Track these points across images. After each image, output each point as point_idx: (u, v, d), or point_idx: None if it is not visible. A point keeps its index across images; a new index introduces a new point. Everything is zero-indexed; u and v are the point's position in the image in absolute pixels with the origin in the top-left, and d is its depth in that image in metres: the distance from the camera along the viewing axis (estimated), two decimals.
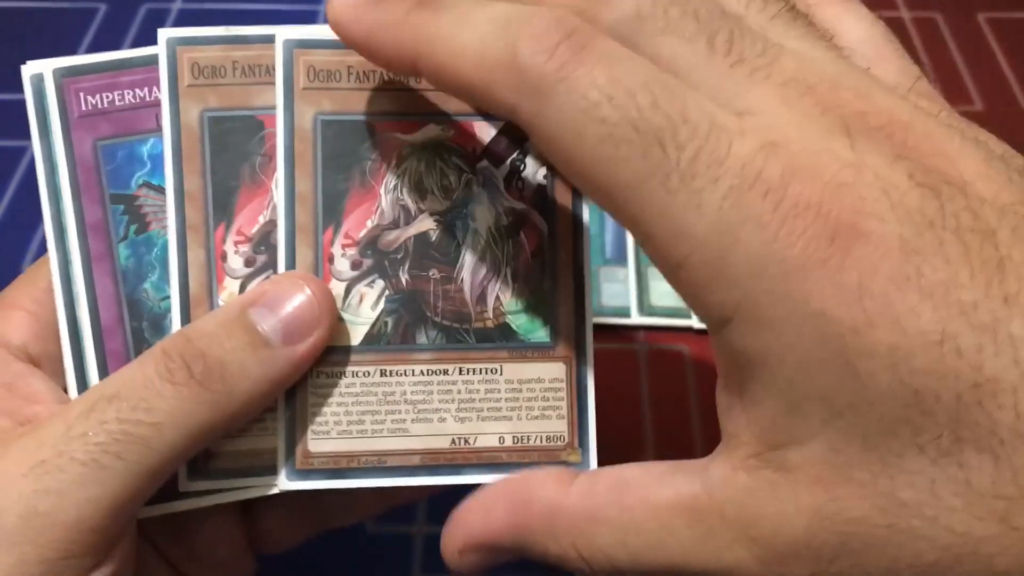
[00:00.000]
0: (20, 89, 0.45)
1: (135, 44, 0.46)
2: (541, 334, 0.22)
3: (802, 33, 0.17)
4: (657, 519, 0.18)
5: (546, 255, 0.22)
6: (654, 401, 0.32)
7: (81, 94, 0.21)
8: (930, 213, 0.15)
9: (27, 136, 0.22)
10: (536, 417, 0.22)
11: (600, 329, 0.34)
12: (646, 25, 0.17)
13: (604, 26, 0.17)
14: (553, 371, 0.22)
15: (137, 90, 0.21)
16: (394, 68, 0.19)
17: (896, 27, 0.46)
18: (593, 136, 0.16)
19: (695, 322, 0.34)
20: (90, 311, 0.21)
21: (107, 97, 0.21)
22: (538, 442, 0.22)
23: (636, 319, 0.34)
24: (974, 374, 0.14)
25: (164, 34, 0.21)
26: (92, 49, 0.45)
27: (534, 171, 0.22)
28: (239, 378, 0.19)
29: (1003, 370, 0.14)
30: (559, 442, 0.22)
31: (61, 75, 0.21)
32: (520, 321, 0.22)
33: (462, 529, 0.20)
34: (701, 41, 0.16)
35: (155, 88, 0.21)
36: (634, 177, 0.16)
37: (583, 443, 0.22)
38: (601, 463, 0.30)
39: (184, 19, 0.47)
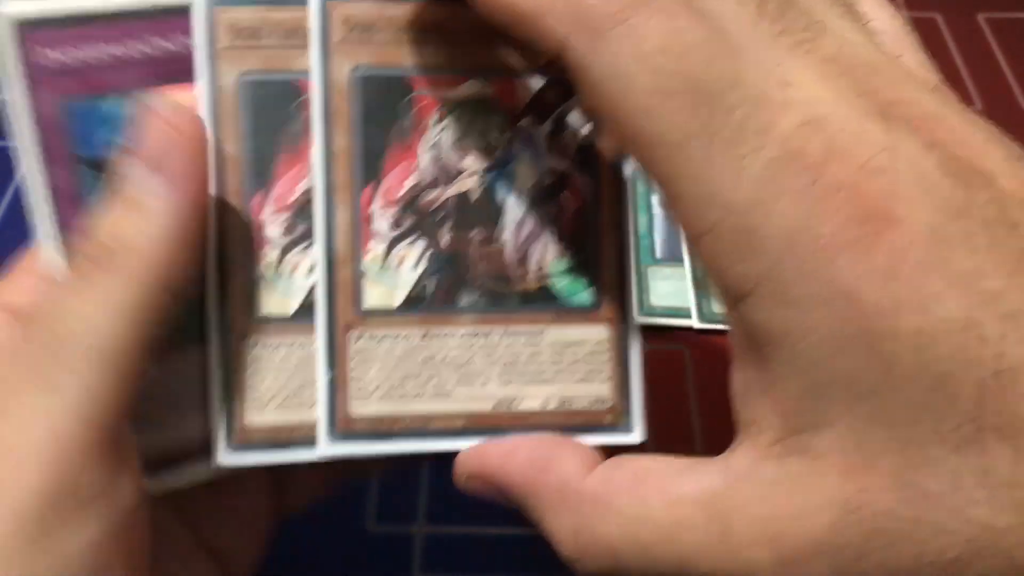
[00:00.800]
0: None
1: None
2: (584, 296, 0.21)
3: (842, 13, 0.17)
4: (673, 512, 0.17)
5: (589, 216, 0.21)
6: (654, 401, 0.32)
7: (45, 48, 0.19)
8: (959, 203, 0.15)
9: None
10: (580, 380, 0.21)
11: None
12: None
13: None
14: (597, 333, 0.21)
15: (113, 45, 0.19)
16: None
17: None
18: (644, 85, 0.15)
19: (695, 322, 0.34)
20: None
21: (75, 51, 0.19)
22: (582, 406, 0.21)
23: (637, 319, 0.34)
24: (996, 362, 0.14)
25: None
26: None
27: (577, 130, 0.21)
28: (128, 250, 0.18)
29: None
30: (603, 406, 0.21)
31: (19, 25, 0.19)
32: (563, 283, 0.21)
33: (479, 460, 0.20)
34: (751, 5, 0.16)
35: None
36: (679, 133, 0.15)
37: (628, 407, 0.22)
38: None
39: None
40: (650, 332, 0.32)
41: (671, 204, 0.16)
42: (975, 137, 0.16)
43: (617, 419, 0.21)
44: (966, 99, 0.43)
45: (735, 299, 0.16)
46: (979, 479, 0.14)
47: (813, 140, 0.15)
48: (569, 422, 0.21)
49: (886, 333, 0.15)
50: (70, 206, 0.20)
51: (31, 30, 0.18)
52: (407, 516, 0.29)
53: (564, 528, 0.18)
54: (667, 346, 0.34)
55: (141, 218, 0.18)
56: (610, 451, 0.20)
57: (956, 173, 0.15)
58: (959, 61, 0.45)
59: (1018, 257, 0.14)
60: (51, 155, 0.19)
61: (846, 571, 0.15)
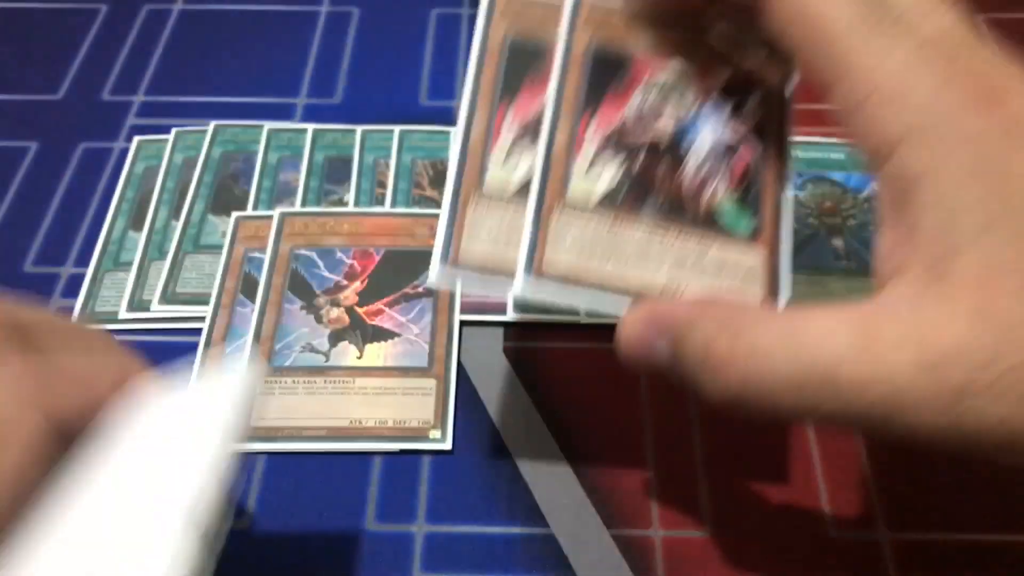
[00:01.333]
0: (21, 89, 0.45)
1: (136, 45, 0.46)
2: (743, 230, 0.26)
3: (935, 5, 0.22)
4: (824, 325, 0.20)
5: (753, 172, 0.27)
6: (654, 401, 0.32)
7: None
8: None
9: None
10: (734, 288, 0.26)
11: (600, 329, 0.34)
12: None
13: None
14: (751, 260, 0.26)
15: None
16: None
17: None
18: None
19: None
20: None
21: None
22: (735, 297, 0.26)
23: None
24: None
25: None
26: (93, 50, 0.46)
27: (752, 111, 0.27)
28: None
29: None
30: (755, 298, 0.26)
31: None
32: (727, 219, 0.26)
33: (648, 305, 0.24)
34: None
35: None
36: (850, 20, 0.21)
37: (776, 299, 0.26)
38: (601, 462, 0.30)
39: (185, 20, 0.47)
40: None
41: (836, 82, 0.21)
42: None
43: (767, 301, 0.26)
44: None
45: (885, 155, 0.20)
46: None
47: (949, 42, 0.20)
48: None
49: (1005, 171, 0.19)
50: None
51: None
52: (407, 515, 0.29)
53: (721, 346, 0.21)
54: None
55: None
56: None
57: None
58: None
59: None
60: None
61: (980, 372, 0.18)
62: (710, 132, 0.27)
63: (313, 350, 0.33)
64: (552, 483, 0.30)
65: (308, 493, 0.30)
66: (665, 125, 0.27)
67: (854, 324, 0.19)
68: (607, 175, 0.26)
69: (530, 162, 0.26)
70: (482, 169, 0.26)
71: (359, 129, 0.41)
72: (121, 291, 0.35)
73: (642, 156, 0.27)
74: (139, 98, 0.43)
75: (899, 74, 0.20)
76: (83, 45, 0.46)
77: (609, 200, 0.26)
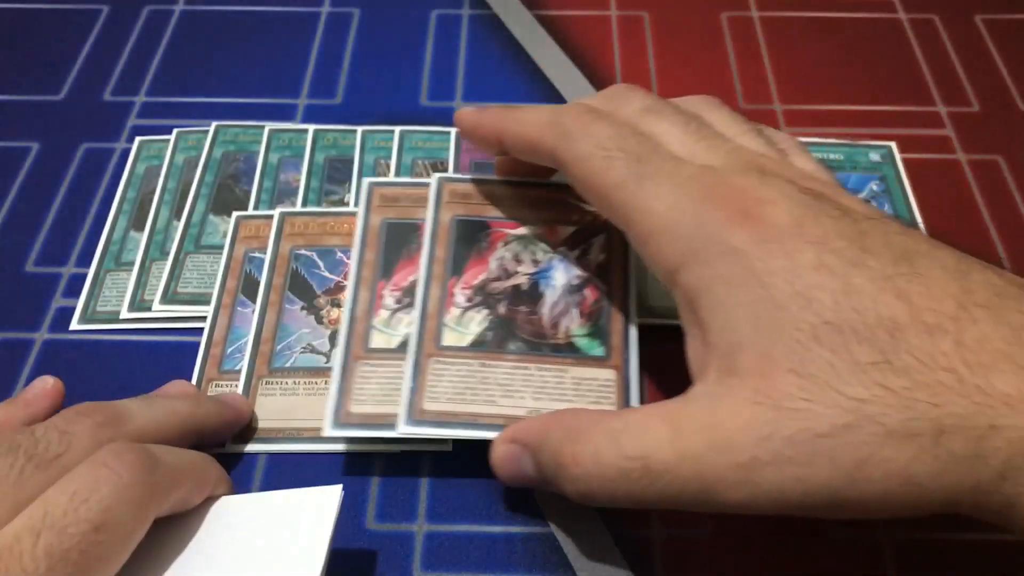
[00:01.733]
0: (22, 90, 0.45)
1: (137, 46, 0.46)
2: (598, 351, 0.31)
3: (749, 131, 0.27)
4: (643, 422, 0.23)
5: (603, 303, 0.32)
6: (656, 397, 0.33)
7: None
8: (812, 204, 0.23)
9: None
10: (592, 403, 0.30)
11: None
12: (649, 114, 0.28)
13: (621, 117, 0.28)
14: (606, 375, 0.30)
15: None
16: (489, 143, 0.32)
17: (894, 29, 0.47)
18: (598, 157, 0.27)
19: None
20: None
21: None
22: None
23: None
24: (844, 285, 0.22)
25: (366, 182, 0.35)
26: (95, 51, 0.46)
27: (596, 255, 0.33)
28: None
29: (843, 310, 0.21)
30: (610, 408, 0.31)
31: None
32: (583, 342, 0.31)
33: (512, 428, 0.27)
34: (680, 124, 0.27)
35: None
36: (620, 178, 0.26)
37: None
38: None
39: (186, 21, 0.47)
40: (651, 332, 0.32)
41: (626, 228, 0.26)
42: (840, 191, 0.25)
43: None
44: (964, 101, 0.43)
45: (672, 275, 0.24)
46: (849, 367, 0.20)
47: (707, 175, 0.25)
48: None
49: (765, 272, 0.22)
50: None
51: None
52: (407, 514, 0.29)
53: (574, 453, 0.24)
54: (667, 346, 0.34)
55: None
56: None
57: (814, 194, 0.24)
58: (956, 62, 0.45)
59: (854, 232, 0.22)
60: None
61: (764, 444, 0.21)
62: (562, 275, 0.32)
63: (314, 351, 0.33)
64: None
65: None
66: (524, 272, 0.32)
67: (663, 419, 0.23)
68: (476, 322, 0.31)
69: (483, 315, 0.31)
70: (367, 335, 0.31)
71: (360, 129, 0.41)
72: (123, 291, 0.36)
73: (505, 301, 0.32)
74: (140, 99, 0.43)
75: (667, 213, 0.24)
76: (84, 46, 0.46)
77: (478, 344, 0.31)
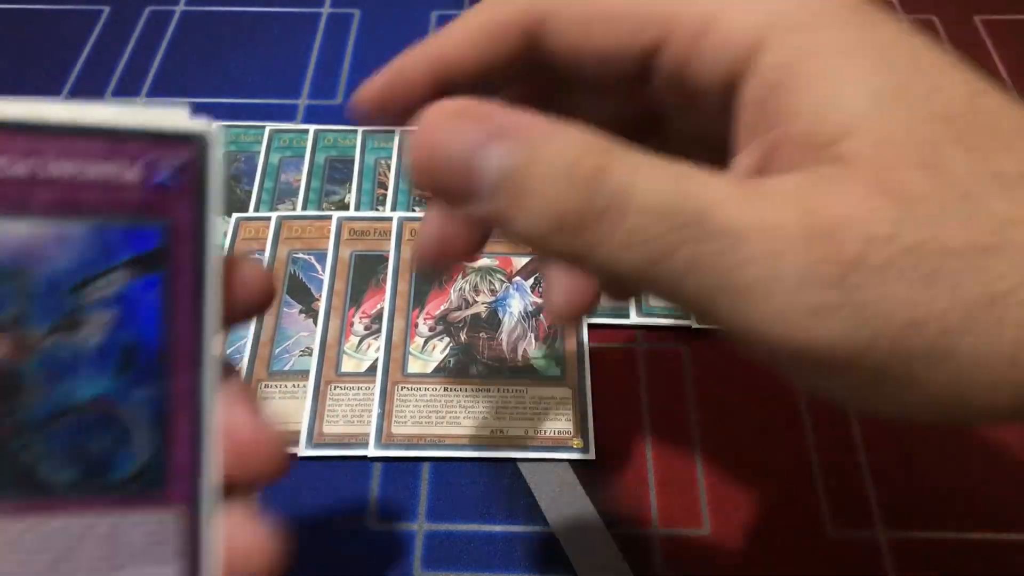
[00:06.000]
0: (22, 89, 0.45)
1: (138, 47, 0.46)
2: (555, 371, 0.33)
3: None
4: (708, 173, 0.15)
5: (557, 328, 0.34)
6: (654, 401, 0.33)
7: None
8: None
9: None
10: (550, 420, 0.31)
11: (600, 329, 0.34)
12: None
13: None
14: (562, 393, 0.32)
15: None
16: (414, 95, 0.21)
17: None
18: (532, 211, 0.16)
19: (694, 322, 0.34)
20: None
21: None
22: (551, 435, 0.32)
23: (635, 319, 0.35)
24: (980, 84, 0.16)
25: (335, 216, 0.36)
26: (96, 51, 0.46)
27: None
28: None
29: None
30: (567, 435, 0.32)
31: None
32: (540, 364, 0.33)
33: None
34: None
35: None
36: (548, 226, 0.16)
37: (584, 435, 0.32)
38: (602, 461, 0.30)
39: (186, 21, 0.47)
40: (650, 332, 0.32)
41: (661, 28, 0.18)
42: None
43: (576, 442, 0.32)
44: None
45: (750, 53, 0.17)
46: (991, 179, 0.15)
47: None
48: (541, 444, 0.32)
49: (888, 43, 0.16)
50: None
51: None
52: (408, 513, 0.30)
53: (590, 162, 0.15)
54: (667, 346, 0.34)
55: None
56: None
57: None
58: None
59: None
60: None
61: (879, 246, 0.14)
62: (518, 302, 0.35)
63: (311, 354, 0.33)
64: (552, 483, 0.30)
65: (309, 494, 0.30)
66: (483, 302, 0.35)
67: (736, 183, 0.16)
68: (439, 350, 0.33)
69: (445, 343, 0.34)
70: (338, 360, 0.33)
71: (360, 130, 0.41)
72: None
73: (466, 329, 0.34)
74: (141, 99, 0.43)
75: None
76: (85, 46, 0.46)
77: (441, 369, 0.33)
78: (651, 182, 0.15)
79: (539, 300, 0.35)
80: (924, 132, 0.15)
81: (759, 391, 0.33)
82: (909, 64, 0.16)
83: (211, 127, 0.17)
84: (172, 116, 0.17)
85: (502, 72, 0.20)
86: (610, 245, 0.15)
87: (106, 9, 0.48)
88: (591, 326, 0.34)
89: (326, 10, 0.48)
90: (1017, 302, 0.14)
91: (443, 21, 0.47)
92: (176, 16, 0.48)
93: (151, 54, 0.46)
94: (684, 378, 0.33)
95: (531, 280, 0.36)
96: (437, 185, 0.16)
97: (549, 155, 0.15)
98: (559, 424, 0.32)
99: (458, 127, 0.16)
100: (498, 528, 0.29)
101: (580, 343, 0.34)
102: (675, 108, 0.20)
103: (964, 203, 0.15)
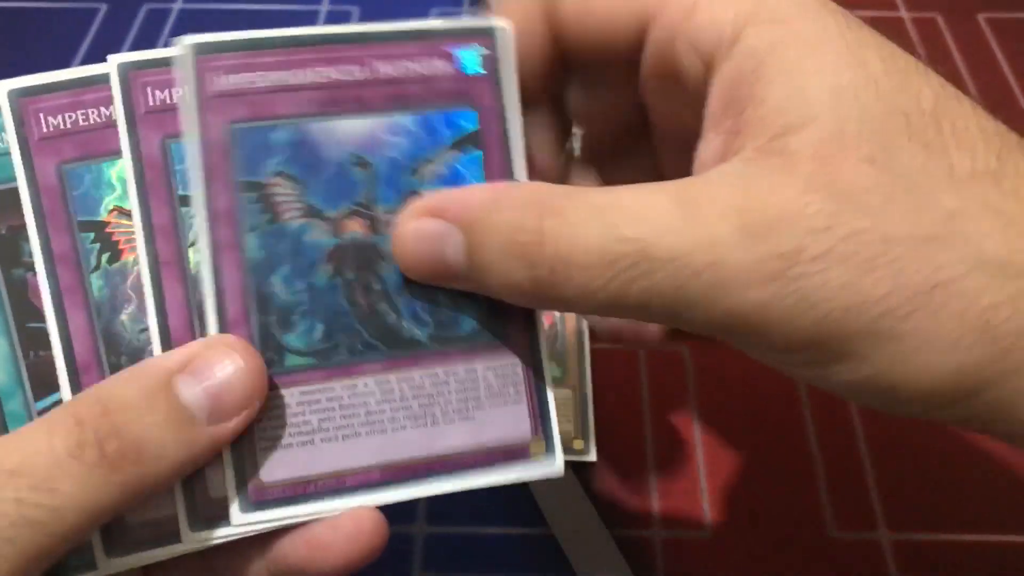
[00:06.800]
0: None
1: (136, 45, 0.46)
2: (555, 372, 0.31)
3: None
4: (643, 199, 0.17)
5: (555, 332, 0.32)
6: (654, 401, 0.32)
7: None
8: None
9: None
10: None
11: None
12: None
13: None
14: (563, 394, 0.31)
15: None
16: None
17: (896, 27, 0.46)
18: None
19: None
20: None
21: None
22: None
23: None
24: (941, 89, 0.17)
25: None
26: (93, 49, 0.46)
27: None
28: (156, 459, 0.17)
29: None
30: (567, 436, 0.30)
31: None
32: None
33: (431, 202, 0.19)
34: None
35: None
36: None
37: (585, 436, 0.30)
38: (603, 462, 0.30)
39: (184, 19, 0.47)
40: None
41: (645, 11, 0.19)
42: None
43: (576, 444, 0.30)
44: None
45: (734, 33, 0.17)
46: (944, 174, 0.15)
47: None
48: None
49: (858, 41, 0.17)
50: (226, 227, 0.19)
51: (205, 57, 0.19)
52: (407, 516, 0.29)
53: (529, 226, 0.17)
54: (668, 346, 0.34)
55: (184, 440, 0.18)
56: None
57: None
58: (959, 61, 0.45)
59: None
60: (216, 178, 0.19)
61: (815, 237, 0.15)
62: None
63: None
64: (552, 483, 0.30)
65: None
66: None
67: (671, 196, 0.17)
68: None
69: None
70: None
71: None
72: None
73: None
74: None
75: None
76: (82, 44, 0.46)
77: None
78: (588, 238, 0.16)
79: None
80: (880, 128, 0.16)
81: (760, 392, 0.32)
82: (881, 64, 0.16)
83: (503, 23, 0.20)
84: (469, 19, 0.20)
85: (544, 66, 0.21)
86: (570, 297, 0.17)
87: (104, 7, 0.48)
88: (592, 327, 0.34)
89: (324, 7, 0.48)
90: (960, 290, 0.15)
91: None
92: (174, 13, 0.48)
93: None
94: (685, 379, 0.33)
95: None
96: (432, 279, 0.19)
97: (489, 236, 0.18)
98: (560, 425, 0.30)
99: (421, 230, 0.19)
100: (498, 529, 0.29)
101: (581, 344, 0.33)
102: (661, 99, 0.21)
103: (910, 196, 0.15)
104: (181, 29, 0.47)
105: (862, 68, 0.16)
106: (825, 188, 0.15)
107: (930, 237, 0.15)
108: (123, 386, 0.18)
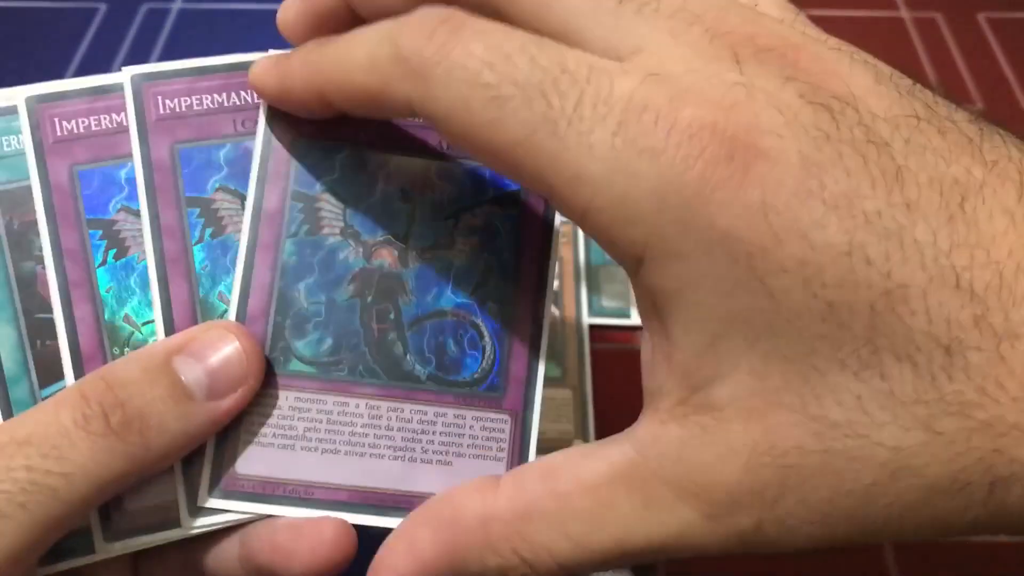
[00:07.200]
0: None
1: (135, 45, 0.46)
2: (555, 373, 0.32)
3: None
4: (593, 497, 0.17)
5: (558, 329, 0.33)
6: (638, 399, 0.32)
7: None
8: (825, 127, 0.15)
9: None
10: (551, 421, 0.30)
11: (600, 329, 0.34)
12: None
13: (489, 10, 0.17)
14: (563, 394, 0.31)
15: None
16: (311, 108, 0.20)
17: (896, 27, 0.46)
18: (479, 101, 0.16)
19: (636, 320, 0.34)
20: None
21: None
22: (552, 436, 0.30)
23: (636, 319, 0.34)
24: (884, 282, 0.14)
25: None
26: (92, 49, 0.45)
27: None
28: (157, 431, 0.18)
29: (911, 275, 0.14)
30: (568, 436, 0.30)
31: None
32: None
33: (388, 572, 0.18)
34: None
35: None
36: (523, 132, 0.15)
37: (586, 436, 0.30)
38: None
39: (184, 19, 0.47)
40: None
41: (549, 198, 0.16)
42: (839, 64, 0.16)
43: (576, 445, 0.26)
44: (966, 99, 0.43)
45: (633, 268, 0.16)
46: (882, 401, 0.14)
47: (656, 91, 0.15)
48: (542, 445, 0.23)
49: (772, 268, 0.14)
50: (270, 229, 0.21)
51: (149, 82, 0.21)
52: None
53: (507, 555, 0.17)
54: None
55: (183, 414, 0.19)
56: None
57: (818, 101, 0.15)
58: (959, 60, 0.45)
59: (893, 175, 0.14)
60: (273, 183, 0.21)
61: (771, 512, 0.15)
62: None
63: None
64: None
65: None
66: None
67: (626, 484, 0.16)
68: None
69: None
70: None
71: None
72: None
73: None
74: None
75: (609, 178, 0.15)
76: (82, 44, 0.46)
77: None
78: (562, 554, 0.17)
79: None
80: (805, 368, 0.15)
81: None
82: (798, 283, 0.15)
83: None
84: None
85: None
86: None
87: (103, 7, 0.48)
88: (592, 327, 0.34)
89: None
90: (914, 515, 0.15)
91: None
92: (173, 13, 0.47)
93: (148, 51, 0.45)
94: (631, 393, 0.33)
95: None
96: None
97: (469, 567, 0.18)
98: (560, 425, 0.31)
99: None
100: None
101: (581, 344, 0.33)
102: None
103: (847, 440, 0.15)
104: (181, 29, 0.47)
105: (773, 301, 0.15)
106: (764, 456, 0.15)
107: (876, 484, 0.15)
108: (125, 365, 0.19)
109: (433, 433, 0.20)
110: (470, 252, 0.21)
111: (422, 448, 0.20)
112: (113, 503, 0.20)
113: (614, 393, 0.33)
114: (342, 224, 0.21)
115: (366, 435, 0.20)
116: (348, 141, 0.21)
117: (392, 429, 0.20)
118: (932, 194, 0.14)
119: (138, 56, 0.45)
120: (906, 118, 0.15)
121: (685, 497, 0.16)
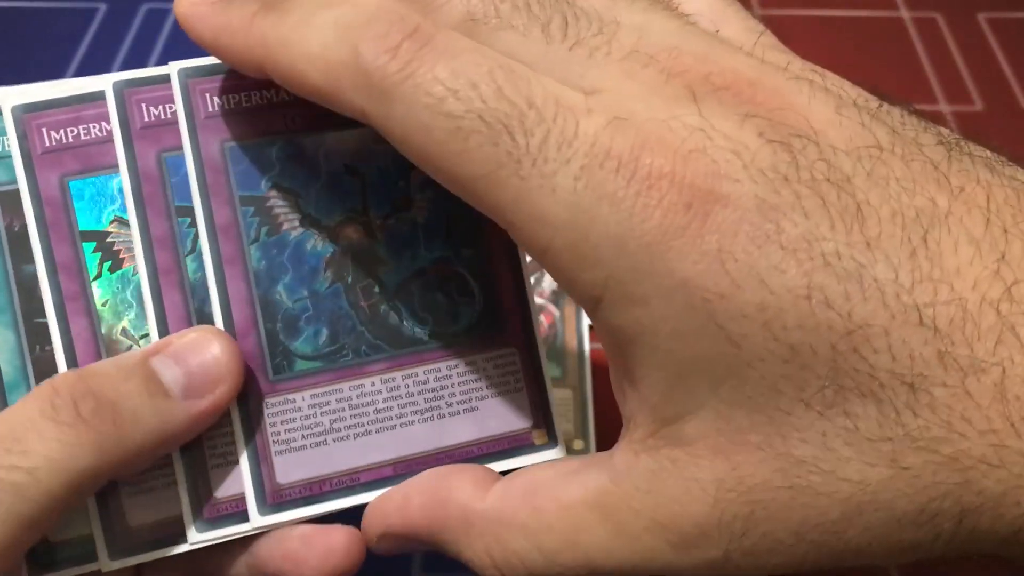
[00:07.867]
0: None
1: (135, 45, 0.46)
2: (555, 372, 0.31)
3: (643, 7, 0.17)
4: (569, 518, 0.17)
5: (555, 330, 0.32)
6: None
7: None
8: (783, 168, 0.15)
9: None
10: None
11: None
12: (479, 27, 0.16)
13: (459, 40, 0.17)
14: (563, 394, 0.30)
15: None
16: (243, 69, 0.18)
17: (896, 27, 0.46)
18: (442, 131, 0.15)
19: None
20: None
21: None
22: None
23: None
24: (845, 322, 0.14)
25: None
26: (92, 49, 0.45)
27: (552, 283, 0.32)
28: (131, 423, 0.18)
29: (873, 314, 0.14)
30: (568, 436, 0.29)
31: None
32: None
33: (380, 518, 0.20)
34: (535, 31, 0.16)
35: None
36: (487, 167, 0.15)
37: (586, 436, 0.29)
38: None
39: None
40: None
41: (509, 231, 0.16)
42: (798, 95, 0.16)
43: (576, 445, 0.29)
44: (966, 99, 0.42)
45: (591, 307, 0.16)
46: (846, 438, 0.15)
47: (620, 138, 0.15)
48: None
49: (731, 314, 0.15)
50: (228, 241, 0.20)
51: (196, 80, 0.20)
52: None
53: (479, 552, 0.18)
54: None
55: (158, 409, 0.18)
56: None
57: (777, 139, 0.15)
58: (959, 61, 0.44)
59: (853, 212, 0.14)
60: (216, 194, 0.20)
61: (739, 544, 0.16)
62: None
63: None
64: None
65: None
66: None
67: (598, 510, 0.17)
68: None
69: None
70: None
71: None
72: None
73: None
74: None
75: (570, 220, 0.15)
76: (81, 45, 0.46)
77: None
78: (534, 565, 0.17)
79: (541, 298, 0.34)
80: (768, 407, 0.15)
81: None
82: (759, 327, 0.15)
83: None
84: None
85: None
86: None
87: (103, 7, 0.48)
88: (592, 327, 0.34)
89: None
90: (882, 545, 0.15)
91: None
92: (173, 13, 0.47)
93: (148, 52, 0.45)
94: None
95: (535, 276, 0.33)
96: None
97: (444, 540, 0.19)
98: (560, 425, 0.31)
99: (387, 548, 0.21)
100: None
101: (581, 344, 0.33)
102: None
103: (813, 475, 0.15)
104: (180, 29, 0.47)
105: (734, 345, 0.15)
106: (731, 491, 0.15)
107: (843, 517, 0.15)
108: (101, 363, 0.19)
109: (452, 386, 0.21)
110: (428, 206, 0.21)
111: (446, 403, 0.21)
112: (118, 517, 0.19)
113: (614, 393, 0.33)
114: (299, 215, 0.20)
115: (390, 408, 0.21)
116: (278, 133, 0.20)
117: (412, 395, 0.21)
118: (894, 229, 0.14)
119: (138, 56, 0.45)
120: (868, 149, 0.15)
121: (654, 528, 0.16)
